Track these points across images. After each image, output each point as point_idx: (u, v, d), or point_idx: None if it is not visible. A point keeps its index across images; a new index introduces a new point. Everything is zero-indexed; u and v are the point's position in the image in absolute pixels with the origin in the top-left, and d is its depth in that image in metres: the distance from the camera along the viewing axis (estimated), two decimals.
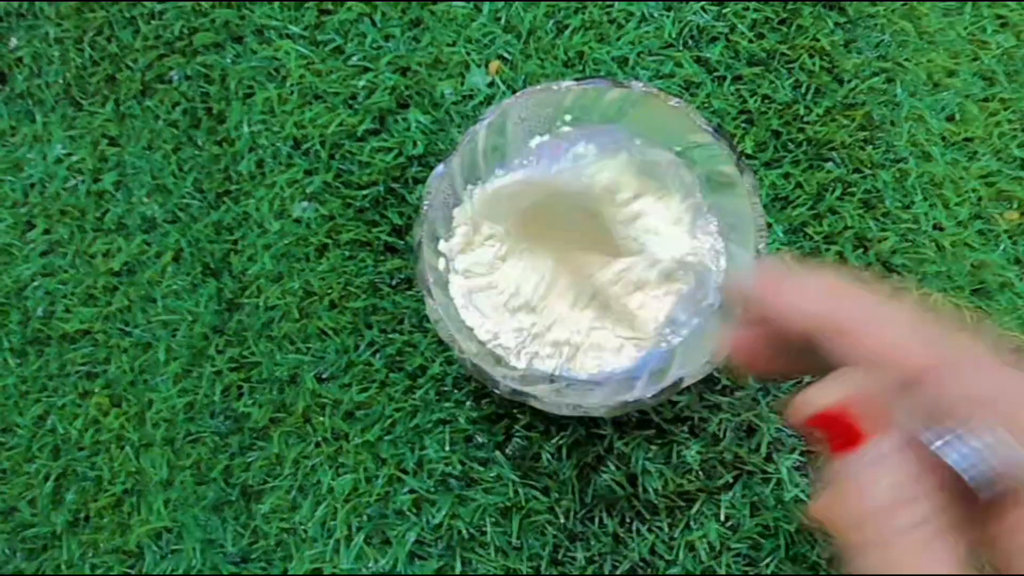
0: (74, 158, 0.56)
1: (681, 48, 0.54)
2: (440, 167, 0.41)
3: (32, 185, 0.56)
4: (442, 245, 0.44)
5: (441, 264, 0.44)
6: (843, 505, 0.22)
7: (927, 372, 0.22)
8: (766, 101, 0.53)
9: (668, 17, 0.54)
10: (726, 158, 0.42)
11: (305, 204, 0.53)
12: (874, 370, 0.22)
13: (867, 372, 0.23)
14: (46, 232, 0.55)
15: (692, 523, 0.47)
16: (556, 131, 0.46)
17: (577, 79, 0.42)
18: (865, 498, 0.21)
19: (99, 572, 0.49)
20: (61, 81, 0.57)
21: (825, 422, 0.22)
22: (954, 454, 0.21)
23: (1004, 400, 0.21)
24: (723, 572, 0.46)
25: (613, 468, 0.48)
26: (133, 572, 0.49)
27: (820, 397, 0.23)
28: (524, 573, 0.47)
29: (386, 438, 0.49)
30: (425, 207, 0.41)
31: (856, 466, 0.22)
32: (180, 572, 0.49)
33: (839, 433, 0.22)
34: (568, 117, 0.45)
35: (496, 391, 0.40)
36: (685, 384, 0.40)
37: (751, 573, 0.46)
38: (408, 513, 0.48)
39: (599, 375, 0.43)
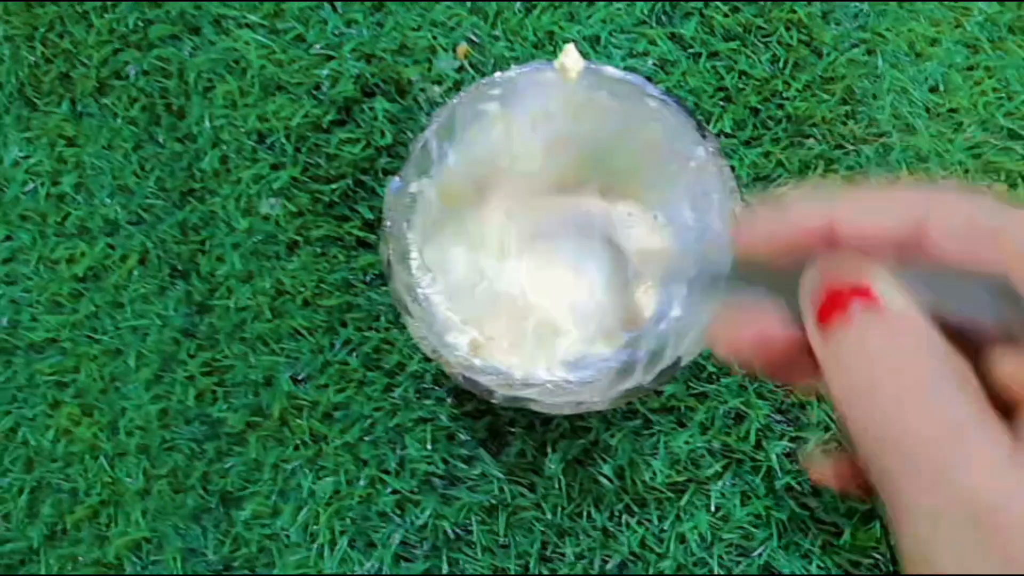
0: (31, 160, 0.53)
1: (654, 25, 0.52)
2: (396, 180, 0.40)
3: None
4: (413, 259, 0.42)
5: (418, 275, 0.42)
6: (848, 369, 0.20)
7: (919, 227, 0.20)
8: (743, 77, 0.51)
9: None
10: (684, 124, 0.40)
11: (273, 200, 0.51)
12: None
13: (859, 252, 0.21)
14: (7, 239, 0.53)
15: (682, 514, 0.46)
16: None
17: (519, 65, 0.40)
18: (873, 357, 0.19)
19: None
20: (14, 81, 0.55)
21: (831, 295, 0.20)
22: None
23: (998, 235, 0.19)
24: (715, 563, 0.45)
25: (600, 461, 0.47)
26: None
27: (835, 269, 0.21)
28: (512, 572, 0.46)
29: (366, 439, 0.48)
30: (388, 224, 0.39)
31: (857, 329, 0.20)
32: None
33: (837, 302, 0.20)
34: None
35: (492, 400, 0.38)
36: (684, 363, 0.38)
37: (744, 563, 0.45)
38: (392, 514, 0.47)
39: (594, 366, 0.42)
